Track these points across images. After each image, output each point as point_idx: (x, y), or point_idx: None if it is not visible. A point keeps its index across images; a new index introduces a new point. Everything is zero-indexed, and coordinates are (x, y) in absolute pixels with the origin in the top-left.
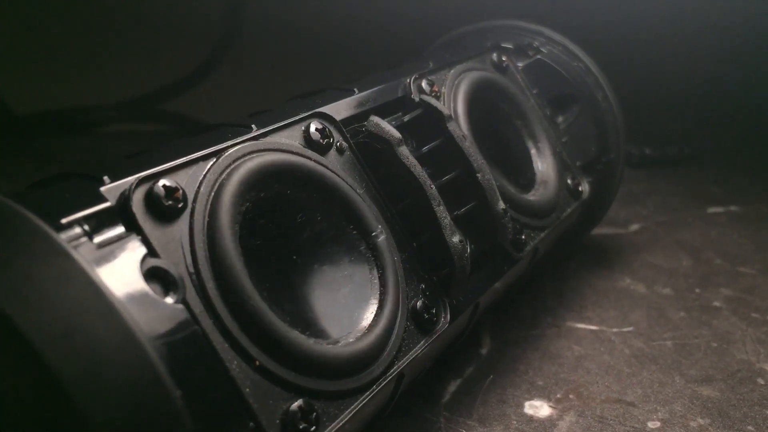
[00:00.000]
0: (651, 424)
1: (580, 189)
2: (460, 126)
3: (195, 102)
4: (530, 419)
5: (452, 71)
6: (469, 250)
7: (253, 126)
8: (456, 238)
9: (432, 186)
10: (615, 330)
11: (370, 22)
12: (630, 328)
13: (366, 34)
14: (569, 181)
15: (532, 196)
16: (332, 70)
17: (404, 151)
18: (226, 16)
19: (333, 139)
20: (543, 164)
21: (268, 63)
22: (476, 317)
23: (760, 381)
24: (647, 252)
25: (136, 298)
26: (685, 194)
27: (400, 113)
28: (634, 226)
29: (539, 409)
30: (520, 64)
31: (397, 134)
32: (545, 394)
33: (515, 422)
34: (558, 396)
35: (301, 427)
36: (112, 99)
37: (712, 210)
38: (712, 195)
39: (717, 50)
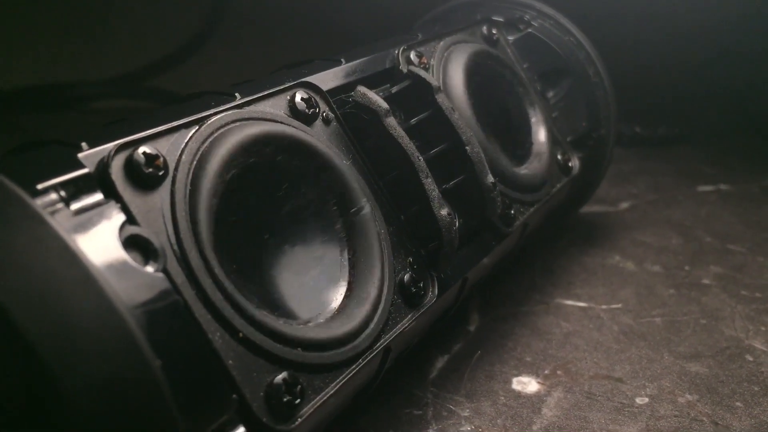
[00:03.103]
0: (639, 400)
1: (570, 165)
2: (457, 96)
3: (183, 78)
4: (518, 395)
5: (441, 43)
6: (457, 224)
7: (236, 95)
8: (444, 211)
9: (420, 158)
10: (604, 307)
11: (359, 3)
12: (619, 305)
13: (357, 8)
14: (559, 157)
15: (524, 170)
16: (323, 44)
17: (392, 122)
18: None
19: (319, 110)
20: (539, 136)
21: (258, 37)
22: (464, 292)
23: (749, 357)
24: (637, 230)
25: (115, 265)
26: (675, 173)
27: (388, 85)
28: (624, 204)
29: (527, 385)
30: (510, 38)
31: (384, 105)
32: (533, 370)
33: (503, 398)
34: (546, 372)
35: (285, 399)
36: (99, 75)
37: (702, 188)
38: (702, 174)
39: (709, 30)
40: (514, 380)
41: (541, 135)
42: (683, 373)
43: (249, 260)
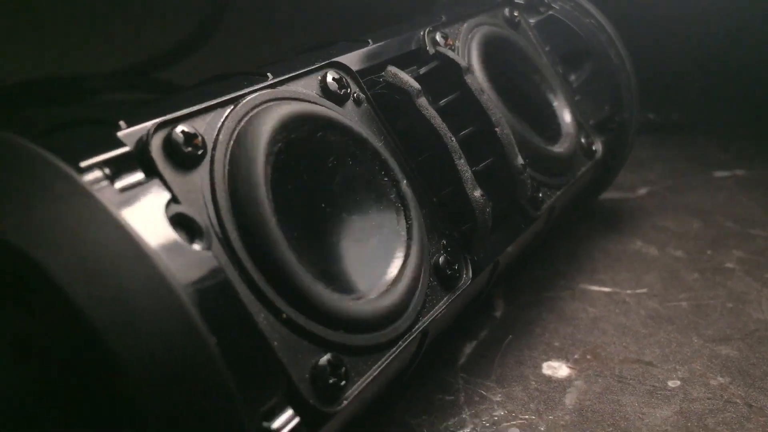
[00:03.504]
0: (671, 383)
1: (594, 148)
2: (477, 79)
3: (192, 69)
4: (549, 379)
5: (465, 25)
6: (490, 205)
7: (268, 74)
8: (478, 193)
9: (452, 138)
10: (629, 292)
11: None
12: (644, 290)
13: (363, 7)
14: (583, 140)
15: (559, 148)
16: (333, 32)
17: (424, 102)
18: None
19: (350, 90)
20: (566, 117)
21: (266, 28)
22: (495, 276)
23: None
24: (656, 215)
25: (165, 243)
26: (690, 159)
27: (415, 66)
28: (642, 191)
29: (557, 369)
30: (531, 20)
31: (416, 85)
32: (563, 355)
33: (534, 383)
34: (576, 357)
35: (331, 381)
36: (105, 67)
37: (718, 174)
38: (717, 160)
39: (722, 16)
40: (544, 365)
41: (566, 117)
42: (714, 356)
43: (309, 230)
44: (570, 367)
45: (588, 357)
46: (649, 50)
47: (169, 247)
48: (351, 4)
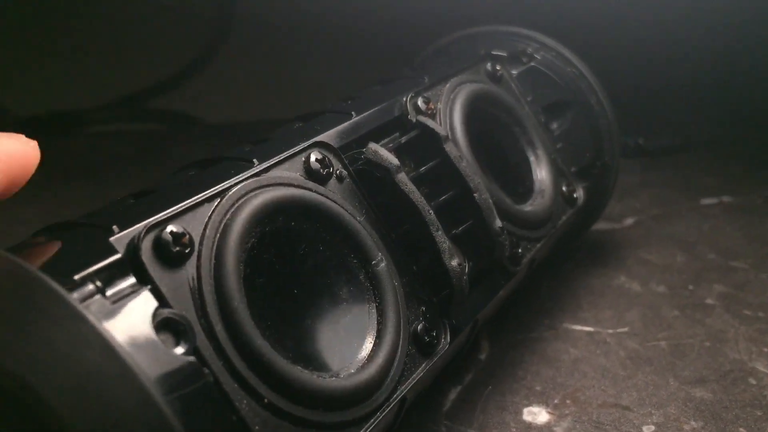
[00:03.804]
0: (646, 429)
1: (575, 196)
2: (458, 142)
3: (186, 99)
4: (529, 426)
5: (447, 85)
6: (467, 272)
7: (254, 161)
8: (455, 262)
9: (430, 212)
10: (610, 331)
11: (363, 18)
12: (625, 329)
13: (359, 30)
14: (564, 188)
15: (529, 207)
16: (325, 65)
17: (403, 177)
18: (216, 12)
19: (333, 168)
20: (541, 172)
21: (259, 60)
22: (475, 333)
23: (752, 381)
24: (642, 248)
25: (149, 353)
26: (677, 185)
27: (398, 134)
28: (629, 221)
29: (537, 415)
30: (514, 72)
31: (395, 161)
32: (543, 400)
33: (514, 429)
34: (555, 401)
35: None
36: (101, 99)
37: (705, 201)
38: (704, 185)
39: (709, 38)
40: (525, 410)
41: (542, 171)
42: (688, 399)
43: (282, 317)
44: (549, 413)
45: (567, 402)
46: (636, 74)
47: (153, 356)
48: (340, 41)
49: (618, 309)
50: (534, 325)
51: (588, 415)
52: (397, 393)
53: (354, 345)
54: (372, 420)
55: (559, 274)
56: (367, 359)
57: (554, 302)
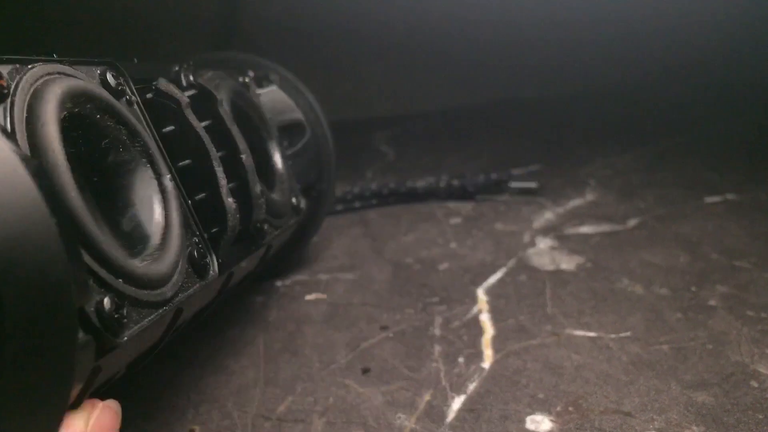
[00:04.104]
0: None
1: (301, 207)
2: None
3: None
4: None
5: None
6: (238, 213)
7: (54, 55)
8: (231, 200)
9: (214, 149)
10: (613, 336)
11: (366, 20)
12: (627, 333)
13: (362, 32)
14: (293, 200)
15: (275, 195)
16: (329, 68)
17: (191, 113)
18: (222, 18)
19: (126, 90)
20: (280, 168)
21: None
22: (227, 288)
23: (754, 384)
24: (645, 249)
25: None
26: (682, 184)
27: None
28: (633, 221)
29: (540, 423)
30: (259, 92)
31: (186, 97)
32: (546, 408)
33: None
34: (558, 409)
35: (115, 316)
36: None
37: (709, 200)
38: (709, 183)
39: (709, 36)
40: (528, 419)
41: (281, 168)
42: (690, 403)
43: (86, 192)
44: (552, 421)
45: (570, 409)
46: (637, 75)
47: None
48: (344, 45)
49: (620, 313)
50: (537, 331)
51: (590, 423)
52: (179, 297)
53: (150, 232)
54: (161, 310)
55: (561, 279)
56: (159, 253)
57: (557, 307)
